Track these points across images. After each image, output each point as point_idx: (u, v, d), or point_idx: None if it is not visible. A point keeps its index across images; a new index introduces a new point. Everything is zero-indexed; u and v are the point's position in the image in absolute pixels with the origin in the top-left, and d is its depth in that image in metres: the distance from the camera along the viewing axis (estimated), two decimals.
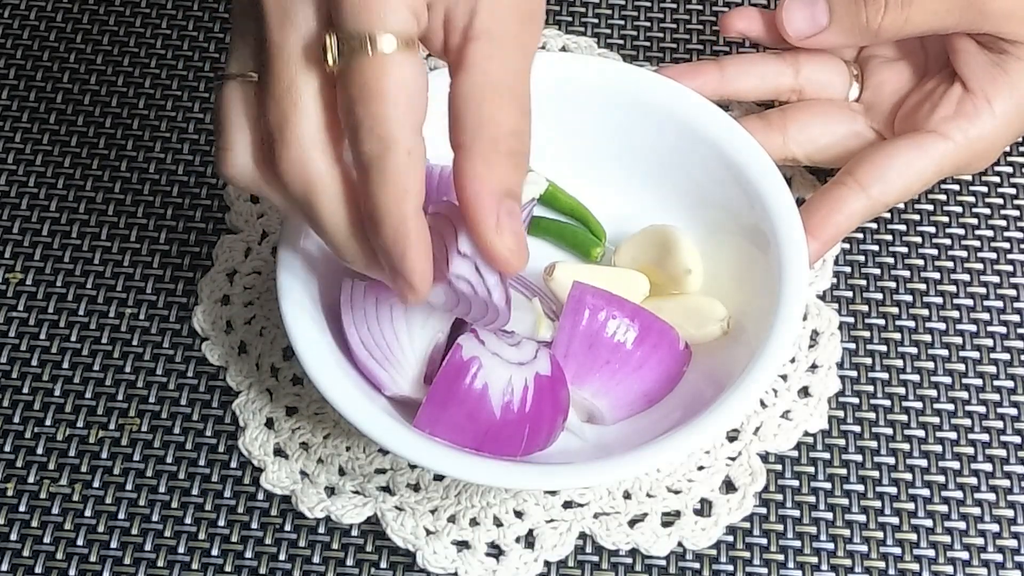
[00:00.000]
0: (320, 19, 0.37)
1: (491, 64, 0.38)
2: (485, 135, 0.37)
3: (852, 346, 0.52)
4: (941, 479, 0.49)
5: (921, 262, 0.54)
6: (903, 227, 0.55)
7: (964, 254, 0.54)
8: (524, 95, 0.39)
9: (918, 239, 0.55)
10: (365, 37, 0.35)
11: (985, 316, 0.53)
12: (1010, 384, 0.51)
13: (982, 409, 0.51)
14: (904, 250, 0.54)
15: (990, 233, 0.55)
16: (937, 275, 0.54)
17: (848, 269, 0.54)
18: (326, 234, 0.39)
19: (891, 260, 0.54)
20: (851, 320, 0.53)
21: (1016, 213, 0.55)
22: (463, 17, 0.38)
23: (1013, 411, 0.51)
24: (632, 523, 0.48)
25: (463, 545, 0.48)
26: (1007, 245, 0.55)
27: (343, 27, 0.36)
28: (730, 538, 0.48)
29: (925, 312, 0.53)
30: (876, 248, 0.54)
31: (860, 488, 0.49)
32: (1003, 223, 0.55)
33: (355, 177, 0.38)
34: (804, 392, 0.51)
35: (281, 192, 0.39)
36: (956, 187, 0.56)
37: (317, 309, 0.46)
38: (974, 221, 0.55)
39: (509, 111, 0.38)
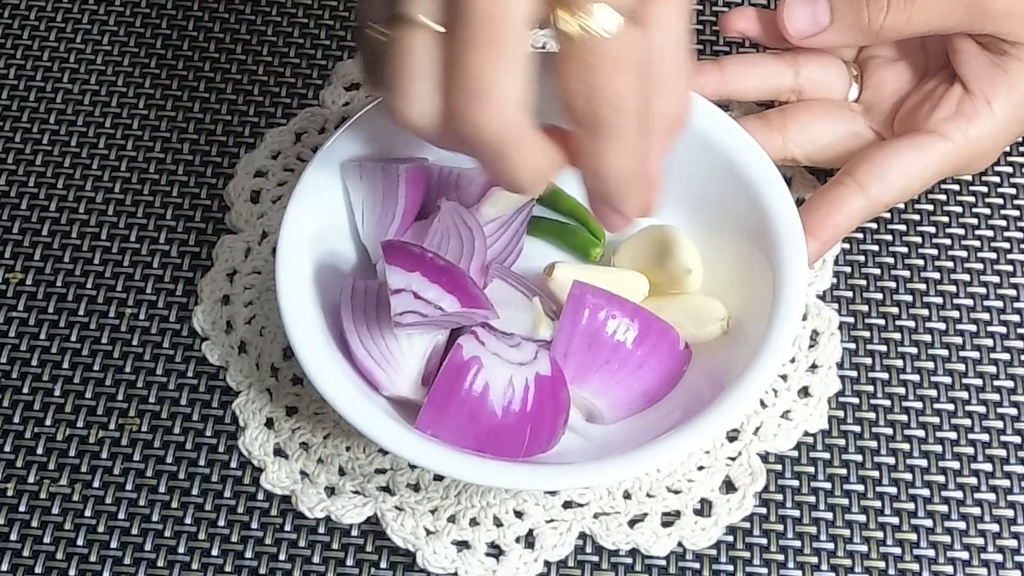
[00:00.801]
0: None
1: (675, 22, 0.40)
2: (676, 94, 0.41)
3: (852, 346, 0.52)
4: (941, 479, 0.49)
5: (921, 262, 0.54)
6: (903, 227, 0.55)
7: (964, 254, 0.54)
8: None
9: (918, 239, 0.55)
10: (612, 14, 0.37)
11: (985, 316, 0.53)
12: (1010, 384, 0.51)
13: (982, 409, 0.51)
14: (904, 250, 0.54)
15: (990, 233, 0.55)
16: (937, 275, 0.54)
17: (848, 269, 0.54)
18: (515, 179, 0.40)
19: (891, 260, 0.54)
20: (851, 320, 0.53)
21: (1016, 213, 0.55)
22: None
23: (1013, 411, 0.51)
24: (632, 523, 0.48)
25: (463, 545, 0.48)
26: (1007, 245, 0.55)
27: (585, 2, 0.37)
28: (730, 538, 0.48)
29: (925, 312, 0.53)
30: (876, 248, 0.54)
31: (860, 488, 0.49)
32: (1003, 223, 0.55)
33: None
34: (804, 392, 0.51)
35: (465, 142, 0.39)
36: (956, 187, 0.56)
37: (317, 309, 0.46)
38: (974, 221, 0.55)
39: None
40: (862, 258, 0.54)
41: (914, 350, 0.52)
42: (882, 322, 0.53)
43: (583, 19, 0.37)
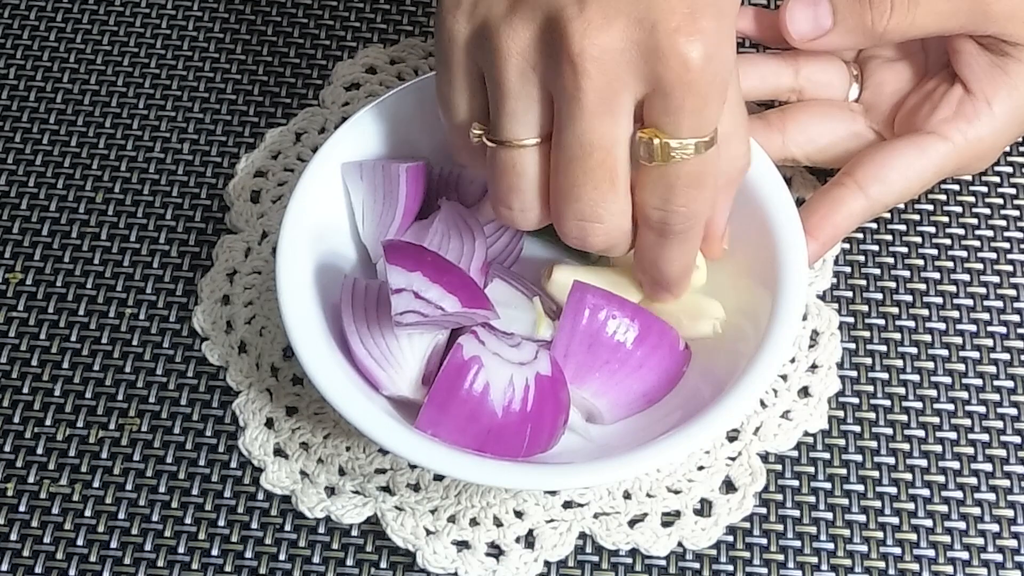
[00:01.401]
0: (633, 114, 0.41)
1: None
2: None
3: (852, 346, 0.52)
4: (941, 479, 0.49)
5: (921, 262, 0.54)
6: (903, 227, 0.55)
7: (964, 254, 0.54)
8: None
9: (918, 239, 0.55)
10: (696, 140, 0.41)
11: (985, 316, 0.53)
12: (1010, 384, 0.51)
13: (982, 409, 0.51)
14: (904, 250, 0.54)
15: (990, 233, 0.55)
16: (937, 275, 0.54)
17: (848, 269, 0.54)
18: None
19: (891, 260, 0.54)
20: (851, 320, 0.53)
21: (1016, 213, 0.55)
22: None
23: (1013, 411, 0.51)
24: (632, 523, 0.48)
25: (463, 545, 0.48)
26: (1007, 245, 0.55)
27: (680, 132, 0.40)
28: (730, 538, 0.48)
29: (925, 312, 0.53)
30: (876, 248, 0.55)
31: (860, 488, 0.49)
32: (1003, 223, 0.55)
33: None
34: (804, 392, 0.51)
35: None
36: (956, 187, 0.56)
37: (317, 309, 0.46)
38: (974, 221, 0.55)
39: None
40: (862, 258, 0.54)
41: (914, 350, 0.52)
42: (882, 322, 0.53)
43: (676, 150, 0.40)
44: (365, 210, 0.50)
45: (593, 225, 0.42)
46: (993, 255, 0.54)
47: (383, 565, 0.48)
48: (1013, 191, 0.56)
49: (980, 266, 0.54)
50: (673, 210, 0.42)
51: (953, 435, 0.50)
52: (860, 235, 0.55)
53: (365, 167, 0.49)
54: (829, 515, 0.49)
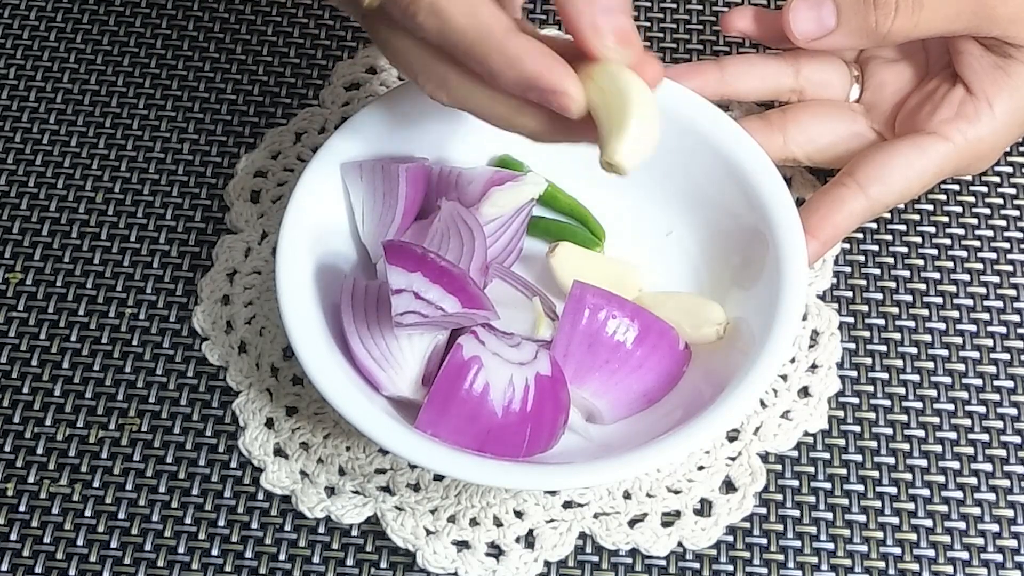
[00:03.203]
0: None
1: None
2: None
3: (852, 346, 0.52)
4: (941, 479, 0.49)
5: (921, 262, 0.54)
6: (903, 227, 0.55)
7: (964, 254, 0.54)
8: None
9: (918, 239, 0.55)
10: None
11: (985, 316, 0.53)
12: (1010, 384, 0.51)
13: (982, 409, 0.51)
14: (904, 250, 0.54)
15: (990, 233, 0.55)
16: (937, 275, 0.54)
17: (848, 269, 0.54)
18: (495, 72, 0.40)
19: (891, 260, 0.54)
20: (851, 320, 0.53)
21: (1016, 213, 0.55)
22: None
23: (1013, 411, 0.51)
24: (632, 523, 0.48)
25: (463, 545, 0.48)
26: (1007, 245, 0.55)
27: None
28: (730, 538, 0.48)
29: (925, 312, 0.53)
30: (876, 248, 0.54)
31: (860, 488, 0.49)
32: (1003, 223, 0.55)
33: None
34: (804, 392, 0.51)
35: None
36: (956, 187, 0.56)
37: (317, 309, 0.46)
38: (974, 221, 0.55)
39: None
40: (862, 258, 0.54)
41: (914, 350, 0.52)
42: (882, 322, 0.53)
43: None
44: (365, 210, 0.50)
45: None
46: (993, 255, 0.54)
47: (383, 565, 0.48)
48: (1013, 191, 0.56)
49: (980, 266, 0.54)
50: None
51: (953, 435, 0.50)
52: (860, 235, 0.55)
53: (365, 167, 0.49)
54: (829, 515, 0.49)
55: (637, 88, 0.39)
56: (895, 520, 0.48)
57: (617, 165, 0.38)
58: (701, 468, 0.49)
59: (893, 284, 0.54)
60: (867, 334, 0.52)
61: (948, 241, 0.55)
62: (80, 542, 0.48)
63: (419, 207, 0.50)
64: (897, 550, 0.48)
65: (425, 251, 0.45)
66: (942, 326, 0.53)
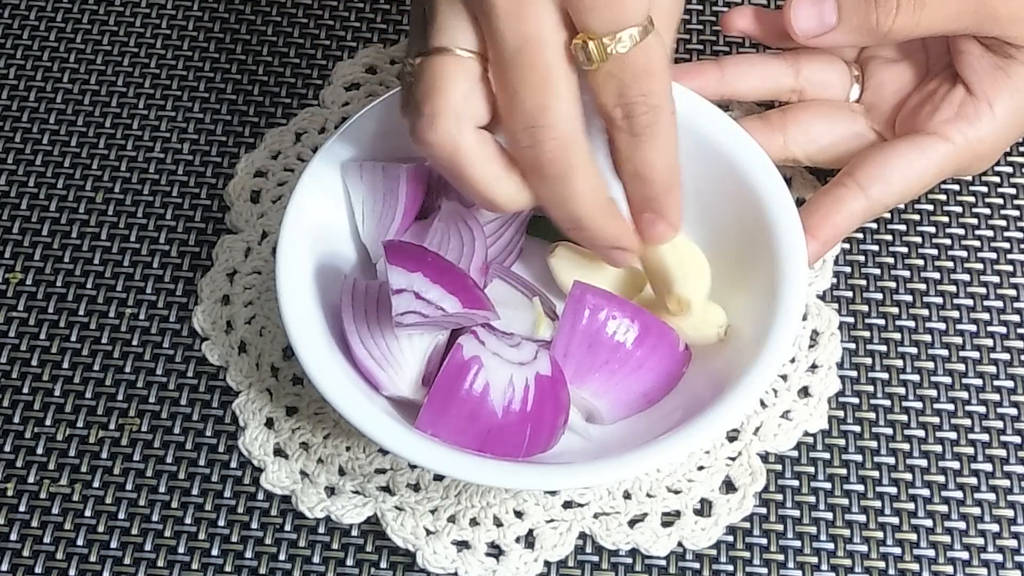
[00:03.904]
0: (559, 19, 0.42)
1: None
2: None
3: (852, 346, 0.52)
4: (941, 479, 0.49)
5: (921, 262, 0.54)
6: (903, 227, 0.55)
7: (964, 254, 0.54)
8: None
9: (918, 239, 0.55)
10: (630, 31, 0.41)
11: (985, 316, 0.53)
12: (1010, 384, 0.51)
13: (982, 409, 0.51)
14: (904, 250, 0.54)
15: (990, 233, 0.55)
16: (937, 275, 0.54)
17: (848, 269, 0.54)
18: (577, 207, 0.43)
19: (891, 260, 0.54)
20: (851, 320, 0.53)
21: (1016, 213, 0.55)
22: None
23: (1013, 411, 0.51)
24: (632, 523, 0.48)
25: (463, 545, 0.48)
26: (1007, 245, 0.55)
27: (606, 27, 0.41)
28: (730, 538, 0.48)
29: (925, 312, 0.53)
30: (876, 248, 0.54)
31: (860, 488, 0.49)
32: (1003, 223, 0.55)
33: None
34: (804, 392, 0.51)
35: (530, 168, 0.42)
36: (956, 187, 0.56)
37: (317, 309, 0.46)
38: (974, 221, 0.55)
39: None
40: (862, 258, 0.54)
41: (914, 350, 0.52)
42: (882, 322, 0.53)
43: (609, 44, 0.41)
44: (365, 210, 0.50)
45: (542, 129, 0.41)
46: (993, 255, 0.54)
47: (383, 565, 0.48)
48: (1013, 191, 0.56)
49: (980, 266, 0.54)
50: (631, 101, 0.42)
51: (953, 435, 0.50)
52: (860, 235, 0.55)
53: (365, 167, 0.49)
54: (829, 515, 0.49)
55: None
56: (895, 520, 0.48)
57: (685, 301, 0.47)
58: (701, 468, 0.49)
59: (893, 284, 0.54)
60: (867, 334, 0.52)
61: (948, 241, 0.55)
62: (80, 542, 0.48)
63: (419, 207, 0.50)
64: (897, 550, 0.48)
65: (425, 251, 0.45)
66: (942, 326, 0.53)
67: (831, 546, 0.48)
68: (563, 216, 0.43)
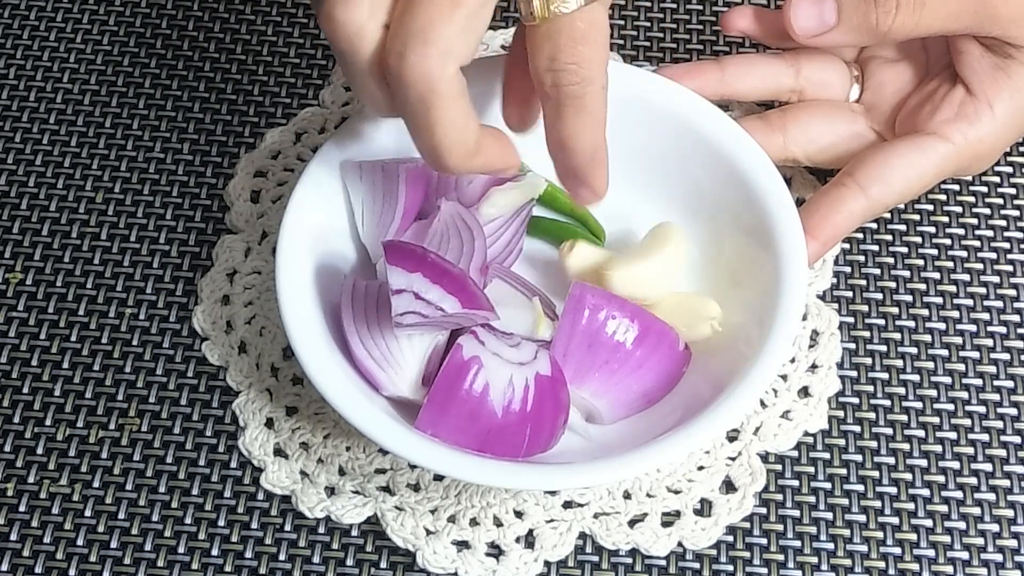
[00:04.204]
0: None
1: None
2: None
3: (852, 346, 0.52)
4: (941, 479, 0.49)
5: (921, 262, 0.54)
6: (903, 227, 0.55)
7: (964, 254, 0.54)
8: None
9: (918, 239, 0.55)
10: None
11: (985, 316, 0.53)
12: (1010, 384, 0.51)
13: (982, 409, 0.51)
14: (904, 250, 0.54)
15: (990, 233, 0.55)
16: (937, 275, 0.54)
17: (848, 269, 0.54)
18: (434, 139, 0.41)
19: (891, 260, 0.54)
20: (851, 320, 0.53)
21: (1016, 213, 0.55)
22: None
23: (1013, 411, 0.51)
24: (632, 523, 0.48)
25: (463, 545, 0.48)
26: (1007, 245, 0.55)
27: None
28: (730, 538, 0.48)
29: (925, 312, 0.53)
30: (876, 248, 0.54)
31: (860, 488, 0.49)
32: (1003, 223, 0.55)
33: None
34: (804, 392, 0.51)
35: (394, 83, 0.40)
36: (956, 187, 0.56)
37: (317, 309, 0.46)
38: (974, 221, 0.55)
39: None
40: (862, 258, 0.54)
41: (914, 350, 0.52)
42: (882, 322, 0.53)
43: (554, 2, 0.40)
44: (365, 210, 0.50)
45: (423, 47, 0.39)
46: (993, 255, 0.54)
47: (383, 565, 0.48)
48: (1013, 191, 0.56)
49: (980, 266, 0.54)
50: (562, 67, 0.41)
51: (953, 435, 0.50)
52: (860, 235, 0.55)
53: (365, 167, 0.49)
54: (829, 515, 0.49)
55: None
56: (895, 520, 0.48)
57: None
58: (701, 468, 0.49)
59: (893, 284, 0.54)
60: (867, 334, 0.52)
61: (948, 241, 0.55)
62: (80, 542, 0.48)
63: (419, 207, 0.50)
64: (897, 550, 0.48)
65: (425, 251, 0.45)
66: (942, 326, 0.53)
67: (831, 546, 0.48)
68: (420, 145, 0.41)
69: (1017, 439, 0.50)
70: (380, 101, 0.42)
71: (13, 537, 0.48)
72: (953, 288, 0.54)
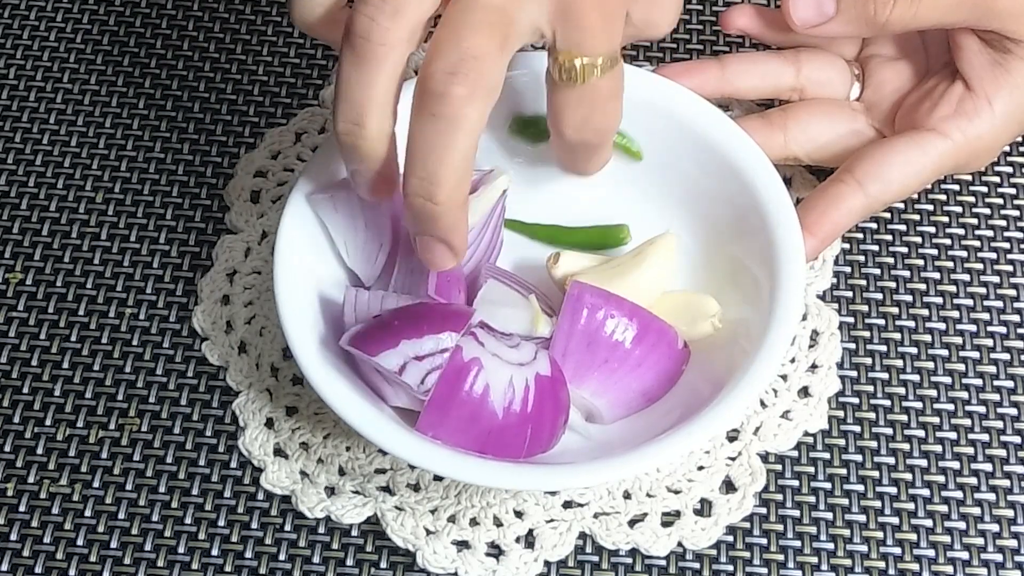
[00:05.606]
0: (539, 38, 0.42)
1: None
2: None
3: (852, 346, 0.52)
4: (941, 479, 0.49)
5: (921, 262, 0.54)
6: (903, 227, 0.55)
7: (964, 254, 0.54)
8: None
9: (918, 239, 0.55)
10: (607, 57, 0.42)
11: (985, 316, 0.53)
12: (1010, 384, 0.51)
13: (982, 409, 0.51)
14: (904, 250, 0.54)
15: (990, 233, 0.55)
16: (937, 275, 0.54)
17: (848, 269, 0.54)
18: (446, 160, 0.41)
19: (891, 260, 0.54)
20: (851, 320, 0.53)
21: (1016, 213, 0.55)
22: None
23: (1013, 411, 0.51)
24: (632, 523, 0.48)
25: (463, 545, 0.48)
26: (1007, 245, 0.55)
27: (594, 51, 0.42)
28: (730, 538, 0.48)
29: (925, 312, 0.53)
30: (876, 248, 0.54)
31: (860, 488, 0.49)
32: (1003, 223, 0.55)
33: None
34: (804, 392, 0.51)
35: (416, 98, 0.41)
36: (956, 187, 0.56)
37: (315, 310, 0.46)
38: (974, 221, 0.55)
39: None
40: (862, 258, 0.54)
41: (914, 350, 0.52)
42: (882, 322, 0.53)
43: (587, 65, 0.42)
44: (347, 242, 0.48)
45: (463, 75, 0.39)
46: (993, 255, 0.54)
47: (383, 565, 0.48)
48: (1013, 191, 0.56)
49: (980, 266, 0.54)
50: (594, 128, 0.44)
51: (953, 435, 0.50)
52: (860, 235, 0.55)
53: (337, 199, 0.48)
54: (829, 515, 0.49)
55: None
56: (895, 520, 0.48)
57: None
58: (701, 468, 0.49)
59: (893, 284, 0.54)
60: (867, 334, 0.52)
61: (948, 241, 0.55)
62: (80, 542, 0.48)
63: (401, 232, 0.49)
64: (897, 550, 0.48)
65: (390, 319, 0.44)
66: (942, 326, 0.53)
67: (831, 546, 0.48)
68: (419, 168, 0.41)
69: (1017, 439, 0.50)
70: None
71: (13, 537, 0.48)
72: (953, 288, 0.53)
